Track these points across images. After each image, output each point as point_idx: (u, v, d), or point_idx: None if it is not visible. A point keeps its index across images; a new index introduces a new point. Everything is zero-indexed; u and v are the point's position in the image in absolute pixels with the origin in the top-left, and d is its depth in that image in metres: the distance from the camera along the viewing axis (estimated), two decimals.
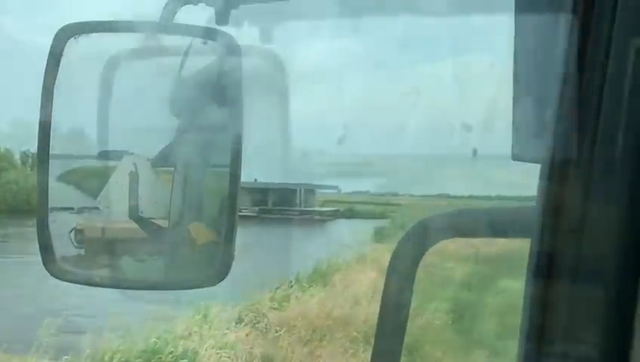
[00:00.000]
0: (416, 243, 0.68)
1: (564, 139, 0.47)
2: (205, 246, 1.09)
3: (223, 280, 0.99)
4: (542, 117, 0.54)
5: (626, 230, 0.47)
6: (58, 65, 0.97)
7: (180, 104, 1.13)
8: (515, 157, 0.66)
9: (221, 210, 1.06)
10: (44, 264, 1.00)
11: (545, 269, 0.48)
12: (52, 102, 0.97)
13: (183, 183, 1.18)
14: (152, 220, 1.14)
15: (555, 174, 0.48)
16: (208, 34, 1.01)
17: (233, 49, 0.97)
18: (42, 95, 0.97)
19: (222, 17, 1.02)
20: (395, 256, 0.69)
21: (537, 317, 0.49)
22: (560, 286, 0.48)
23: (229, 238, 1.00)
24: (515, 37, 0.64)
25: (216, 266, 1.01)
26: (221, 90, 1.03)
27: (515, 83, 0.65)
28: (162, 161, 1.17)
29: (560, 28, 0.52)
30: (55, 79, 0.97)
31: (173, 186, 1.18)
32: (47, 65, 0.98)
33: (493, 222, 0.64)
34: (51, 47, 0.98)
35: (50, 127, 0.98)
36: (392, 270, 0.69)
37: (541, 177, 0.49)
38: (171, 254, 1.18)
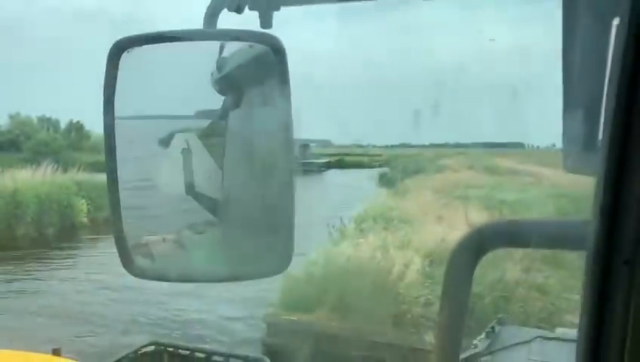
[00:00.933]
0: (471, 250, 0.69)
1: (617, 150, 0.46)
2: (264, 231, 1.13)
3: (285, 268, 1.03)
4: (593, 129, 0.54)
5: None
6: (115, 79, 1.04)
7: (225, 82, 1.18)
8: (568, 169, 0.67)
9: (276, 187, 1.08)
10: (123, 265, 1.07)
11: (602, 285, 0.47)
12: (114, 114, 1.03)
13: (234, 157, 1.22)
14: (208, 195, 1.18)
15: (610, 187, 0.46)
16: (257, 37, 1.06)
17: (280, 51, 1.02)
18: (104, 109, 1.02)
19: (265, 21, 1.08)
20: (451, 262, 0.71)
21: (594, 333, 0.47)
22: (616, 303, 0.46)
23: (289, 225, 1.02)
24: (563, 51, 0.64)
25: (277, 254, 1.05)
26: (266, 68, 1.06)
27: (564, 96, 0.65)
28: (212, 135, 1.22)
29: (608, 38, 0.52)
30: (114, 93, 1.03)
31: (224, 161, 1.22)
32: (105, 79, 1.04)
33: (547, 233, 0.64)
34: (107, 62, 1.04)
35: (114, 138, 1.04)
36: (448, 275, 0.72)
37: (596, 190, 0.47)
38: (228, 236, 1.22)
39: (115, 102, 1.04)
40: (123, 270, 1.06)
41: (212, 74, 1.19)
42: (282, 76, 1.02)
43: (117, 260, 1.06)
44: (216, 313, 12.23)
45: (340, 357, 9.78)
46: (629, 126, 0.46)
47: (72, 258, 18.76)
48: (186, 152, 1.18)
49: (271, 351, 9.96)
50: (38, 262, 17.57)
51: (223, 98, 1.24)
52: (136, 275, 1.08)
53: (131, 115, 1.14)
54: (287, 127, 1.02)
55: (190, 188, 1.18)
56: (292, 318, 10.39)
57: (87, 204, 24.18)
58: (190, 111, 1.28)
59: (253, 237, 1.17)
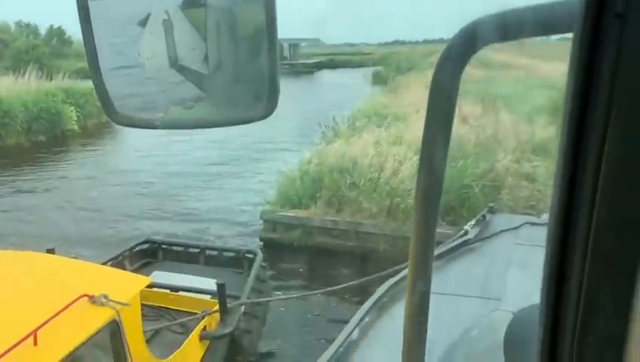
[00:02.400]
0: (458, 51, 0.66)
1: None
2: (250, 82, 1.12)
3: (271, 113, 1.05)
4: None
5: None
6: None
7: None
8: None
9: (260, 43, 1.05)
10: (107, 114, 1.09)
11: (589, 58, 0.44)
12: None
13: (216, 25, 1.17)
14: (193, 68, 1.15)
15: None
16: None
17: None
18: None
19: None
20: (438, 70, 0.68)
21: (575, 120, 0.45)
22: (604, 60, 0.43)
23: (273, 71, 1.03)
24: None
25: (264, 100, 1.06)
26: None
27: None
28: (192, 3, 1.16)
29: None
30: None
31: (207, 30, 1.17)
32: None
33: (537, 19, 0.60)
34: None
35: (90, 18, 1.02)
36: (434, 83, 0.69)
37: None
38: (217, 96, 1.21)
39: None
40: None
41: None
42: None
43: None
44: None
45: (335, 247, 10.22)
46: None
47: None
48: (167, 24, 1.12)
49: (267, 245, 10.38)
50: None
51: None
52: (121, 124, 1.09)
53: None
54: None
55: (174, 61, 1.13)
56: (288, 214, 10.70)
57: (77, 112, 23.90)
58: None
59: (240, 91, 1.17)
